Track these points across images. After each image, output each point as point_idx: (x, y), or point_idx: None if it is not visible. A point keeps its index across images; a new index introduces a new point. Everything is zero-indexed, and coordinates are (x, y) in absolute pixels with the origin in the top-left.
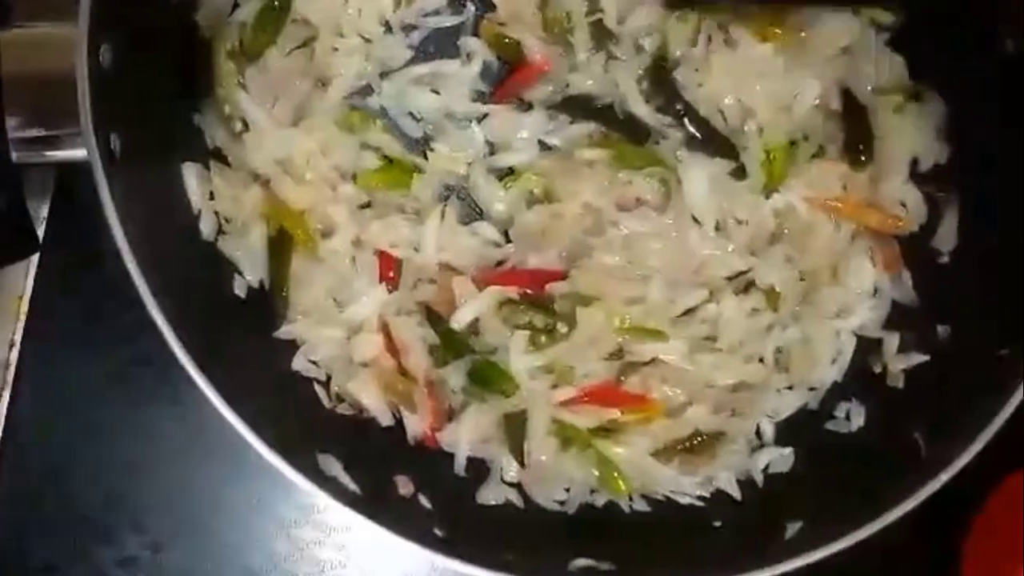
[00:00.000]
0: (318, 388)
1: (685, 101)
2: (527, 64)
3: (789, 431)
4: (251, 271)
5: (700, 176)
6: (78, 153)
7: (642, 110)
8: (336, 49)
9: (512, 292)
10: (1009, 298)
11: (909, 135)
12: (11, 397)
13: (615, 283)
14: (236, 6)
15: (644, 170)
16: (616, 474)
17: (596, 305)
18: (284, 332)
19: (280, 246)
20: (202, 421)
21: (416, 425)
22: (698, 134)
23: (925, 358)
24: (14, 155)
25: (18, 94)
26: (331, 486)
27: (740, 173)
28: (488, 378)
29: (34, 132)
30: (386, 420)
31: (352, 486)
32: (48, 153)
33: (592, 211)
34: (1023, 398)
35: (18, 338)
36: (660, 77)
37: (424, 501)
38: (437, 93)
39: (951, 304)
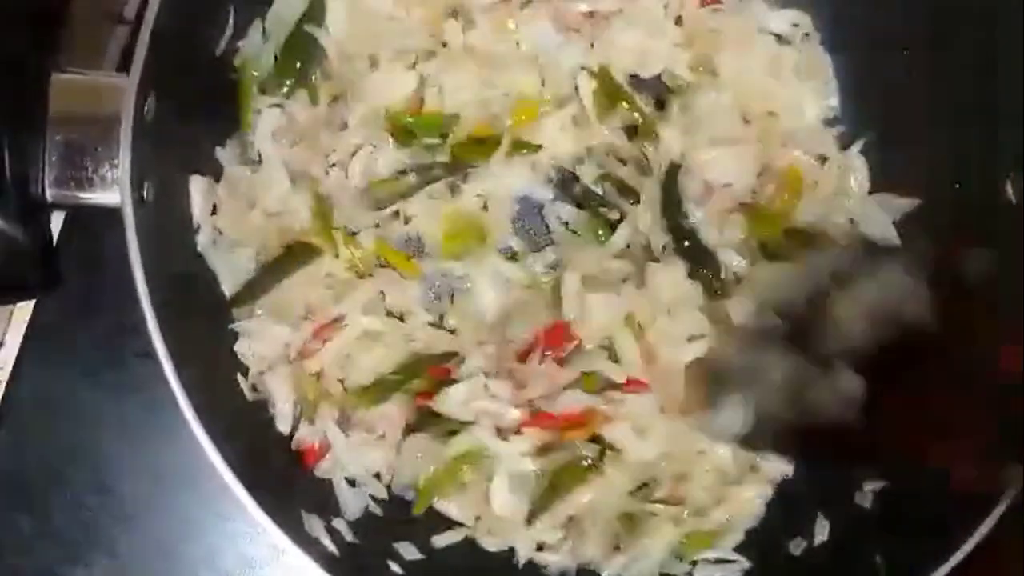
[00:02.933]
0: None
1: None
2: None
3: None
4: (230, 282)
5: None
6: (112, 198)
7: None
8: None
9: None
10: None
11: None
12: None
13: None
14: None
15: None
16: None
17: None
18: (239, 325)
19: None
20: (186, 455)
21: (307, 435)
22: None
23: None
24: (49, 195)
25: (57, 138)
26: (311, 546)
27: None
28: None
29: (69, 175)
30: (285, 424)
31: (332, 547)
32: (82, 196)
33: None
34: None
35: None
36: None
37: (396, 568)
38: None
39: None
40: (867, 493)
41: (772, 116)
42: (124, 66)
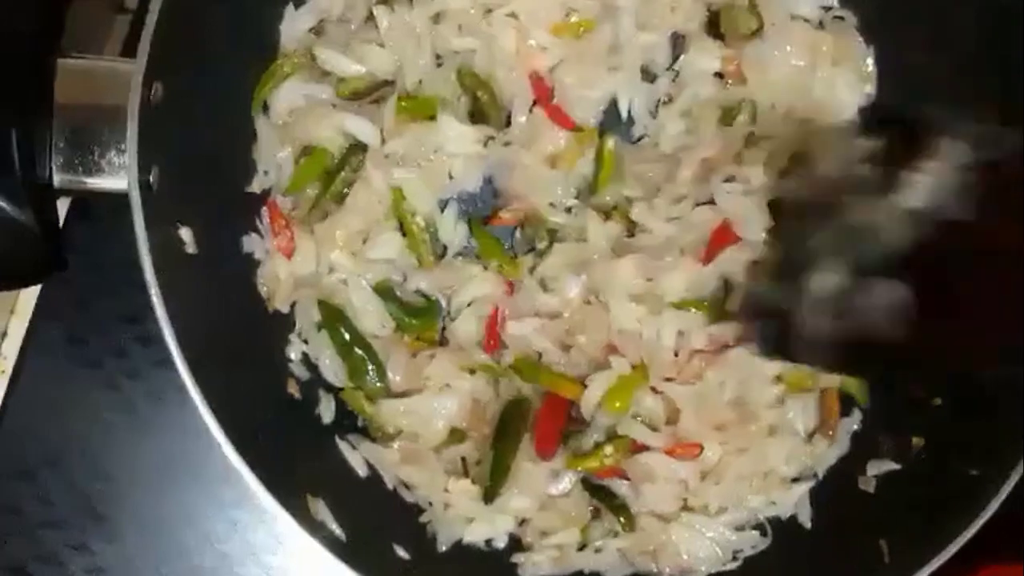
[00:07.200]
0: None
1: None
2: None
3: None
4: None
5: None
6: (119, 184)
7: None
8: None
9: None
10: (983, 421)
11: None
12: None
13: None
14: None
15: None
16: None
17: None
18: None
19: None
20: (189, 441)
21: None
22: None
23: (897, 467)
24: (56, 180)
25: (64, 123)
26: (319, 529)
27: None
28: None
29: (76, 160)
30: None
31: (338, 531)
32: (89, 181)
33: None
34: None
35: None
36: None
37: (401, 552)
38: None
39: (927, 420)
40: (870, 479)
41: (809, 106)
42: (126, 55)
